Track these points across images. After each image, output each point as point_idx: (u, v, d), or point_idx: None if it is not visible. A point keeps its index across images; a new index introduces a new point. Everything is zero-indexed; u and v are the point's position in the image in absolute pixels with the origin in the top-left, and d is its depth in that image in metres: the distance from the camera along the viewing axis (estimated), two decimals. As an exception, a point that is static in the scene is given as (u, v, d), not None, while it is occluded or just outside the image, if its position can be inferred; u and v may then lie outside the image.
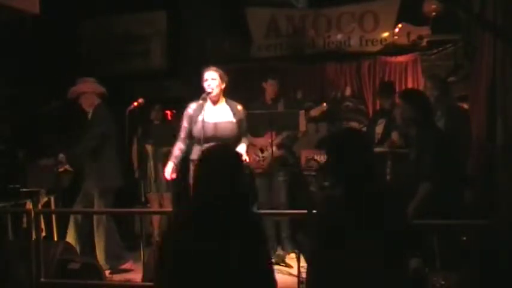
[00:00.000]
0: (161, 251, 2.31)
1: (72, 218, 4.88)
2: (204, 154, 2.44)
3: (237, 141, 4.40)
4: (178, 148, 4.40)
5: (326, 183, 2.45)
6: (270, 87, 5.38)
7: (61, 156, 4.76)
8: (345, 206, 2.28)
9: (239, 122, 4.43)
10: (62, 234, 4.93)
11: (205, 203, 2.22)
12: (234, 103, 4.47)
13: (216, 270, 2.11)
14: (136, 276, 4.46)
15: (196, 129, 4.29)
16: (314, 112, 5.57)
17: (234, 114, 4.41)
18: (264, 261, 2.23)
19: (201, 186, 2.29)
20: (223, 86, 4.37)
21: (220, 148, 2.64)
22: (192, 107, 4.41)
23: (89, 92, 4.84)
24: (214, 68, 4.35)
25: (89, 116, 4.88)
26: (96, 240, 4.79)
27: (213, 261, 2.11)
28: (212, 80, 4.31)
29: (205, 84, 4.31)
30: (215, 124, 4.30)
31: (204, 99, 4.32)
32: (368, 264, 2.19)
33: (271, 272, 2.24)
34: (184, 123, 4.41)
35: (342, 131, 2.90)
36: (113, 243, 4.83)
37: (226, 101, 4.43)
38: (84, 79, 4.93)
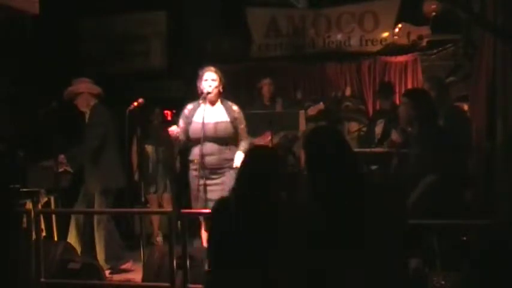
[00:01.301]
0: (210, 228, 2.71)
1: (73, 219, 4.88)
2: (249, 154, 2.79)
3: (234, 141, 4.38)
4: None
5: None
6: (265, 87, 5.38)
7: (61, 157, 4.76)
8: (335, 206, 2.26)
9: (234, 121, 4.34)
10: (62, 234, 4.93)
11: (245, 193, 2.54)
12: (229, 103, 4.41)
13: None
14: (136, 276, 4.46)
15: (195, 130, 4.28)
16: (311, 111, 5.59)
17: (229, 114, 4.35)
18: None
19: (241, 180, 2.61)
20: (221, 87, 4.36)
21: (263, 150, 2.95)
22: (188, 107, 4.40)
23: (84, 92, 4.84)
24: (214, 69, 4.34)
25: (87, 116, 4.87)
26: (97, 240, 4.79)
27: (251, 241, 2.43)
28: (212, 80, 4.30)
29: (205, 84, 4.30)
30: (215, 124, 4.29)
31: (204, 100, 4.32)
32: (367, 264, 2.18)
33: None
34: (180, 123, 4.40)
35: (315, 129, 2.89)
36: (113, 243, 4.83)
37: (221, 102, 4.40)
38: (79, 79, 4.92)
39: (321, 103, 5.57)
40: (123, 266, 4.82)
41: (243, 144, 4.36)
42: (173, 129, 4.31)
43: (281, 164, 2.70)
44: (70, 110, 4.97)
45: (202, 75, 4.33)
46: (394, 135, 4.75)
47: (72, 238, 4.81)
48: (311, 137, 2.49)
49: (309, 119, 5.87)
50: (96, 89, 4.91)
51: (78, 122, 4.98)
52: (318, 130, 2.71)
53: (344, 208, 2.23)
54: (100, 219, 4.77)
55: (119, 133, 4.86)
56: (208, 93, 4.28)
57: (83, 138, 4.78)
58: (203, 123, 4.24)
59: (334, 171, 2.30)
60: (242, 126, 4.40)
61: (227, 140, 4.30)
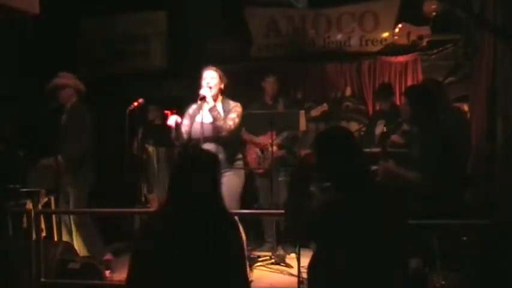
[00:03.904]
0: (137, 246, 2.35)
1: (62, 219, 4.84)
2: (180, 155, 2.46)
3: (236, 140, 4.37)
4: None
5: (327, 184, 2.42)
6: (269, 85, 5.38)
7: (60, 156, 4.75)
8: (340, 207, 2.27)
9: (227, 113, 4.27)
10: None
11: (180, 201, 2.27)
12: (229, 101, 4.38)
13: (189, 265, 2.15)
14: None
15: (194, 130, 4.29)
16: (315, 112, 5.58)
17: (225, 111, 4.31)
18: (236, 257, 2.28)
19: (175, 186, 2.35)
20: (222, 85, 4.36)
21: (195, 149, 2.68)
22: (192, 106, 4.41)
23: (71, 86, 4.83)
24: (214, 68, 4.35)
25: (66, 111, 4.84)
26: (74, 237, 4.75)
27: (190, 257, 2.16)
28: (211, 78, 4.30)
29: (204, 83, 4.30)
30: (208, 125, 4.28)
31: (202, 100, 4.31)
32: (368, 264, 2.18)
33: (243, 270, 2.33)
34: (184, 121, 4.37)
35: (327, 129, 2.89)
36: (92, 238, 4.78)
37: (222, 100, 4.40)
38: (65, 74, 4.92)
39: (325, 104, 5.57)
40: (105, 258, 4.78)
41: (226, 116, 4.27)
42: (171, 120, 4.28)
43: (218, 168, 2.39)
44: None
45: (202, 75, 4.34)
46: (395, 137, 4.76)
47: (65, 238, 4.79)
48: (323, 137, 2.49)
49: (310, 120, 5.88)
50: (81, 86, 4.91)
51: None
52: (329, 131, 2.71)
53: (358, 208, 2.23)
54: (77, 217, 4.73)
55: (119, 133, 4.85)
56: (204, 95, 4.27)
57: (62, 138, 4.74)
58: (202, 123, 4.24)
59: (346, 170, 2.30)
60: (231, 116, 4.27)
61: (226, 139, 4.29)
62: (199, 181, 2.28)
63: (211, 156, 2.43)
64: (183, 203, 2.26)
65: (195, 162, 2.35)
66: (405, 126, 4.41)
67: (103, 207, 4.83)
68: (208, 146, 4.23)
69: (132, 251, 2.32)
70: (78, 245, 4.76)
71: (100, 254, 4.77)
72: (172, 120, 4.27)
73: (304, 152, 5.87)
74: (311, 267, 2.35)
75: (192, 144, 4.06)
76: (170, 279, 2.16)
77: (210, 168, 2.34)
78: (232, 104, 4.36)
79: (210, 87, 4.27)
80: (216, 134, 4.25)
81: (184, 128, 4.35)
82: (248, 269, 2.43)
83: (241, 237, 2.39)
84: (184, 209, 2.24)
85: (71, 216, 4.77)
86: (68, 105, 4.85)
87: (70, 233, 4.82)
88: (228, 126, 4.23)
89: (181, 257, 2.16)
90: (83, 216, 4.73)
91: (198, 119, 4.28)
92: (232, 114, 4.28)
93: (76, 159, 4.69)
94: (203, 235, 2.18)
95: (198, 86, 4.37)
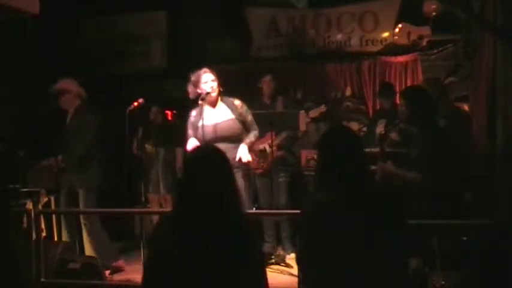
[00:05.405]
0: (151, 249, 2.31)
1: (63, 220, 4.83)
2: (189, 156, 2.42)
3: (241, 139, 4.39)
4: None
5: (328, 183, 2.41)
6: (265, 85, 5.39)
7: (60, 157, 4.75)
8: (340, 206, 2.26)
9: (239, 116, 4.41)
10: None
11: (193, 202, 2.21)
12: (230, 100, 4.45)
13: (205, 269, 2.11)
14: (137, 276, 4.46)
15: (198, 134, 4.30)
16: (313, 113, 5.58)
17: (232, 110, 4.40)
18: (254, 261, 2.25)
19: (187, 186, 2.27)
20: (219, 86, 4.41)
21: (206, 149, 2.63)
22: (193, 114, 4.43)
23: (72, 91, 4.82)
24: (209, 70, 4.38)
25: (69, 116, 4.84)
26: (86, 239, 4.74)
27: (202, 260, 2.11)
28: (212, 81, 4.33)
29: (206, 86, 4.32)
30: (214, 126, 4.30)
31: (204, 100, 4.33)
32: (367, 264, 2.18)
33: (262, 272, 2.28)
34: (189, 132, 4.42)
35: (329, 128, 2.85)
36: (103, 242, 4.77)
37: (222, 100, 4.44)
38: (68, 79, 4.89)
39: (323, 106, 5.57)
40: (114, 264, 4.77)
41: (250, 136, 4.42)
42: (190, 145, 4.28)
43: (230, 168, 2.32)
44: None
45: (199, 78, 4.35)
46: (393, 135, 4.77)
47: (64, 238, 4.79)
48: (326, 136, 2.49)
49: (310, 120, 5.87)
50: (83, 92, 4.89)
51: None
52: (332, 130, 2.70)
53: (359, 208, 2.23)
54: (86, 218, 4.71)
55: (119, 133, 4.85)
56: (208, 93, 4.30)
57: (66, 142, 4.74)
58: (203, 126, 4.25)
59: (347, 170, 2.30)
60: (249, 118, 4.47)
61: (232, 139, 4.30)
62: (207, 182, 2.23)
63: (219, 156, 2.34)
64: (192, 204, 2.22)
65: (202, 163, 2.29)
66: (402, 125, 4.41)
67: (103, 207, 4.84)
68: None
69: (146, 253, 2.30)
70: (88, 246, 4.72)
71: (110, 258, 4.75)
72: (191, 145, 4.26)
73: (304, 152, 5.87)
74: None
75: (199, 146, 4.04)
76: (182, 280, 2.14)
77: (218, 168, 2.28)
78: (235, 102, 4.42)
79: (214, 90, 4.32)
80: (217, 135, 4.27)
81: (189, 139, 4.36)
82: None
83: (255, 238, 2.33)
84: (194, 211, 2.20)
85: (81, 217, 4.75)
86: (72, 109, 4.84)
87: (72, 233, 4.81)
88: (257, 132, 4.50)
89: (192, 259, 2.13)
90: (91, 219, 4.70)
91: (199, 123, 4.29)
92: (249, 117, 4.46)
93: (79, 160, 4.68)
94: (213, 237, 2.14)
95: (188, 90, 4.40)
